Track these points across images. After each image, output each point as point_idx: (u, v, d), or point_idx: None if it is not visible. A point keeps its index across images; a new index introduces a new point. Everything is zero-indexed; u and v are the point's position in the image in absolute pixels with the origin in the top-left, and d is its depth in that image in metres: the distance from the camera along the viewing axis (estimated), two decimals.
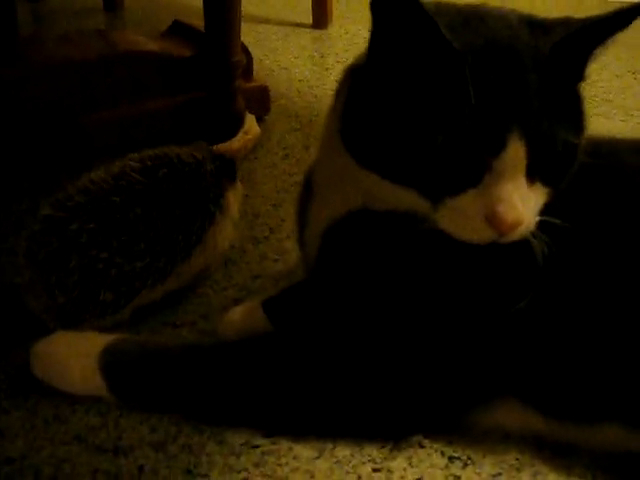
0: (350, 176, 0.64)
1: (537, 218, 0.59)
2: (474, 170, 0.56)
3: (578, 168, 0.61)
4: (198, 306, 0.88)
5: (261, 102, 1.46)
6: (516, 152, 0.55)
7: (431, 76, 0.56)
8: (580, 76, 0.61)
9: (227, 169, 0.92)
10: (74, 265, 0.77)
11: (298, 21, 2.17)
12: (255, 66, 1.50)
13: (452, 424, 0.69)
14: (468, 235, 0.58)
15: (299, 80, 1.73)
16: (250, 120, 1.33)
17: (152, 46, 1.40)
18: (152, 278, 0.82)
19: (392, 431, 0.68)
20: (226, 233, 0.91)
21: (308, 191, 0.75)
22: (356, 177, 0.64)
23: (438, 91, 0.56)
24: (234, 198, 0.93)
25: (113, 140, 1.29)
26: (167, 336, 0.82)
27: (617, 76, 1.87)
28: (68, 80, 1.26)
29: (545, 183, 0.58)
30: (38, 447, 0.67)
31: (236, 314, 0.81)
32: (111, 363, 0.71)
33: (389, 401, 0.66)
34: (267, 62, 1.85)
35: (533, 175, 0.57)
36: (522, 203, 0.56)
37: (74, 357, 0.72)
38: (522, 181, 0.56)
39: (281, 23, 2.18)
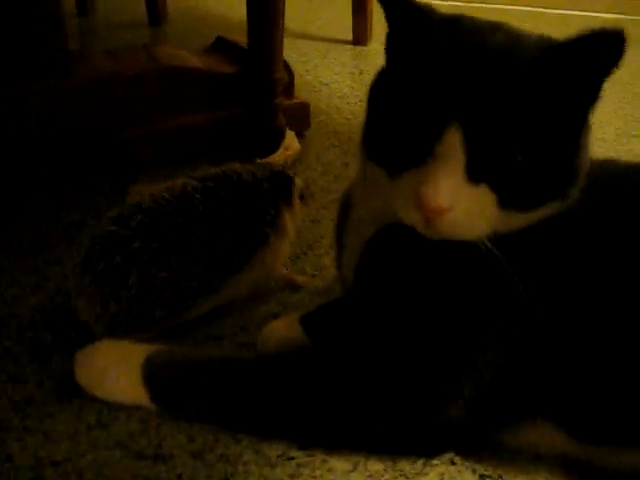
0: (376, 185, 0.66)
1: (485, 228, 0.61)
2: (420, 150, 0.59)
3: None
4: (238, 319, 0.89)
5: (301, 119, 1.48)
6: (452, 144, 0.57)
7: (410, 64, 0.62)
8: (586, 100, 0.59)
9: (284, 189, 0.93)
10: (133, 281, 0.79)
11: (339, 38, 2.19)
12: (296, 82, 1.52)
13: (483, 442, 0.70)
14: (402, 215, 0.61)
15: (339, 97, 1.75)
16: (290, 136, 1.35)
17: (195, 62, 1.43)
18: (203, 296, 0.85)
19: (425, 447, 0.69)
20: (279, 253, 0.92)
21: (345, 212, 0.76)
22: (378, 182, 0.66)
23: (412, 76, 0.61)
24: (291, 218, 0.94)
25: (157, 152, 1.33)
26: (208, 348, 0.84)
27: None
28: (114, 93, 1.30)
29: (497, 193, 0.59)
30: (81, 451, 0.68)
31: (275, 328, 0.83)
32: (153, 373, 0.72)
33: (422, 418, 0.67)
34: (308, 78, 1.87)
35: (475, 175, 0.58)
36: (450, 192, 0.57)
37: (117, 366, 0.73)
38: (457, 173, 0.58)
39: (322, 39, 2.19)
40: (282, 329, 0.83)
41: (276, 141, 1.31)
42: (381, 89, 0.66)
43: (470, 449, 0.70)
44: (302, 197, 0.96)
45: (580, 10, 2.86)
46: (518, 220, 0.62)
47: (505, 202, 0.59)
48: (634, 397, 0.62)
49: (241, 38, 1.46)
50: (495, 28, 0.62)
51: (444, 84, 0.58)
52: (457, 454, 0.69)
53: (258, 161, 0.94)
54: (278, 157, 1.26)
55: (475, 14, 0.65)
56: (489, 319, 0.65)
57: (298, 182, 0.96)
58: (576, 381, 0.63)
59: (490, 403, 0.66)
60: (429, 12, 0.62)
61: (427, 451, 0.69)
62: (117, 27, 2.34)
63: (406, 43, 0.62)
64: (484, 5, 2.79)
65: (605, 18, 2.81)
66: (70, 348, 0.77)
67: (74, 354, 0.75)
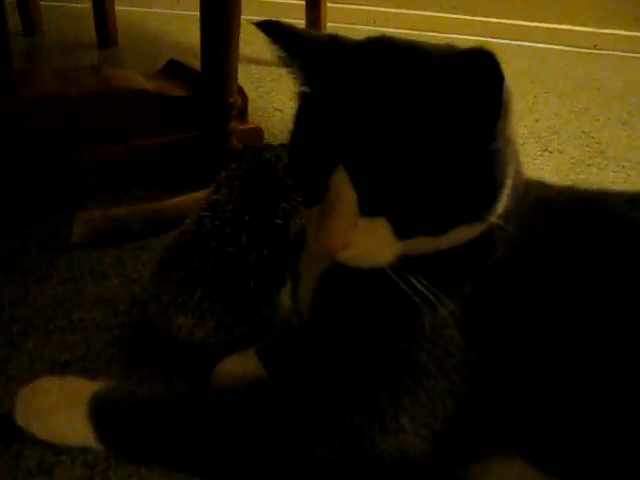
0: None
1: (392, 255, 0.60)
2: (318, 189, 0.59)
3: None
4: (188, 354, 0.84)
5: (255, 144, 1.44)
6: (341, 184, 0.57)
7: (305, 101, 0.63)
8: (479, 120, 0.56)
9: None
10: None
11: None
12: (249, 107, 1.50)
13: (449, 477, 0.67)
14: (312, 244, 0.62)
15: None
16: None
17: (145, 84, 1.40)
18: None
19: None
20: None
21: (300, 244, 0.73)
22: None
23: (307, 113, 0.62)
24: None
25: (104, 177, 1.28)
26: (158, 384, 0.79)
27: (608, 127, 1.89)
28: (60, 114, 1.25)
29: (393, 224, 0.58)
30: None
31: (229, 363, 0.79)
32: (100, 411, 0.68)
33: (382, 455, 0.64)
34: (261, 103, 1.85)
35: (369, 210, 0.58)
36: (343, 231, 0.58)
37: (61, 404, 0.69)
38: (349, 211, 0.57)
39: (274, 64, 2.15)
40: (237, 363, 0.79)
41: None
42: (294, 124, 0.64)
43: None
44: None
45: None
46: (427, 244, 0.60)
47: (403, 231, 0.59)
48: (602, 429, 0.60)
49: (194, 61, 1.43)
50: (371, 49, 0.61)
51: (327, 123, 0.58)
52: None
53: None
54: None
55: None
56: (446, 349, 0.62)
57: None
58: (542, 411, 0.61)
59: (456, 436, 0.64)
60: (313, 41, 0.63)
61: None
62: (65, 48, 2.29)
63: (301, 77, 0.64)
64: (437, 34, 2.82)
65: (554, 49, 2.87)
66: (10, 385, 0.72)
67: (14, 392, 0.70)
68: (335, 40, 0.64)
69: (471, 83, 0.53)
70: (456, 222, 0.59)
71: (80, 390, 0.70)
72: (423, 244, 0.60)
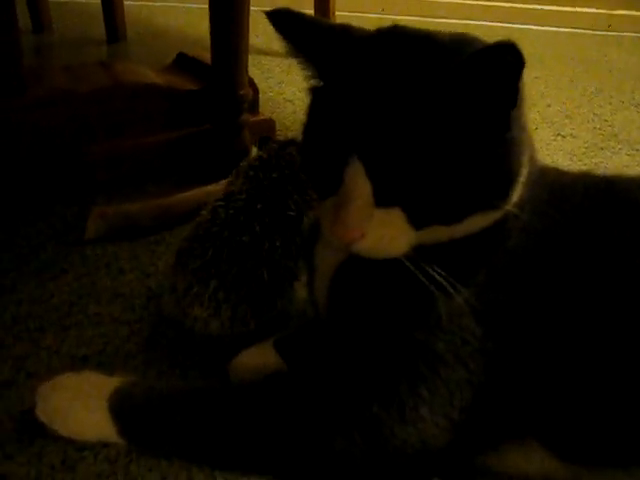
0: None
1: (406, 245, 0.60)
2: (332, 181, 0.59)
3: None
4: (205, 347, 0.85)
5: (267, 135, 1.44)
6: (356, 176, 0.57)
7: (318, 94, 0.63)
8: (495, 111, 0.56)
9: None
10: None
11: None
12: (260, 99, 1.50)
13: (468, 467, 0.67)
14: (327, 236, 0.62)
15: (304, 113, 1.71)
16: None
17: (156, 79, 1.40)
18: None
19: (405, 475, 0.66)
20: None
21: (315, 235, 0.73)
22: None
23: (320, 107, 0.62)
24: None
25: (116, 172, 1.28)
26: (176, 378, 0.80)
27: (621, 110, 1.88)
28: (71, 111, 1.25)
29: (408, 213, 0.58)
30: None
31: (248, 356, 0.80)
32: (121, 405, 0.69)
33: (402, 445, 0.64)
34: (271, 94, 1.84)
35: (384, 201, 0.58)
36: (358, 222, 0.58)
37: (82, 400, 0.69)
38: (364, 202, 0.57)
39: (285, 55, 2.14)
40: (255, 356, 0.80)
41: (241, 159, 1.27)
42: (307, 118, 0.64)
43: (455, 474, 0.67)
44: None
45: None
46: (442, 233, 0.60)
47: (418, 221, 0.59)
48: (619, 416, 0.60)
49: (204, 54, 1.43)
50: (385, 40, 0.61)
51: (341, 115, 0.58)
52: None
53: None
54: None
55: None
56: (462, 337, 0.62)
57: None
58: (559, 398, 0.62)
59: (474, 425, 0.64)
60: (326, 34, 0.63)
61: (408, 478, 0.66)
62: (74, 44, 2.28)
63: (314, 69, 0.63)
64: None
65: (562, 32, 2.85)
66: (29, 382, 0.72)
67: (35, 388, 0.70)
68: (347, 31, 0.64)
69: (496, 76, 0.53)
70: (471, 211, 0.59)
71: (100, 386, 0.71)
72: (438, 233, 0.60)
